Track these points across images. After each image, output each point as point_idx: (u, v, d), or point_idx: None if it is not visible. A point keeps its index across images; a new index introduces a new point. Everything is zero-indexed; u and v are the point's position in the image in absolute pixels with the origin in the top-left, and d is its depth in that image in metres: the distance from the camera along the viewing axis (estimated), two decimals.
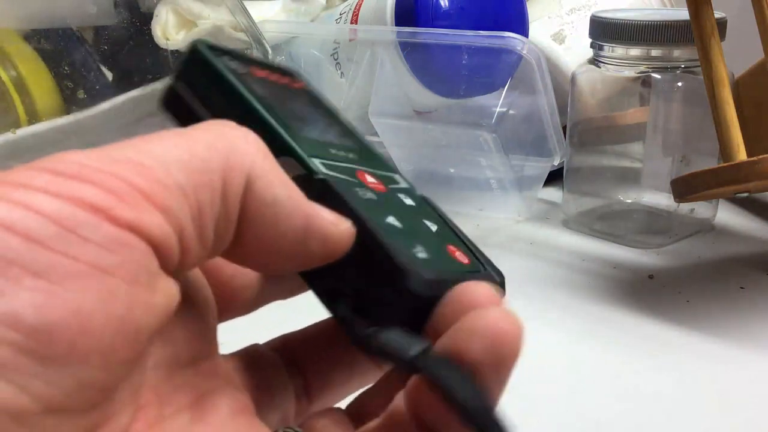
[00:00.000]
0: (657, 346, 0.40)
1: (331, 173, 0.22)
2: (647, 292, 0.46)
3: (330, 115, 0.26)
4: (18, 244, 0.15)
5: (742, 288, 0.47)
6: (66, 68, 0.57)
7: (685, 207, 0.55)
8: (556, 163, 0.55)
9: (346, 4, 0.63)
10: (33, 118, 0.56)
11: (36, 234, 0.15)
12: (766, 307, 0.45)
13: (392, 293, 0.21)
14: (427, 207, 0.25)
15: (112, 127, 0.58)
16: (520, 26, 0.58)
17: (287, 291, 0.25)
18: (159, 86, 0.58)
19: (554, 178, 0.60)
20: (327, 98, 0.27)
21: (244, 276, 0.23)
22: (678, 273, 0.49)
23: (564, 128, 0.55)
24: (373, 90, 0.56)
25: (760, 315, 0.44)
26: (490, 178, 0.57)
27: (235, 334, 0.24)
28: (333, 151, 0.24)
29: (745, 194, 0.41)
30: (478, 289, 0.20)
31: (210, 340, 0.21)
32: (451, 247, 0.23)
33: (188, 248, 0.18)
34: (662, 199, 0.55)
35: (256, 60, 0.26)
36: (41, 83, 0.56)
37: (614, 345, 0.40)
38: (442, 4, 0.54)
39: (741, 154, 0.41)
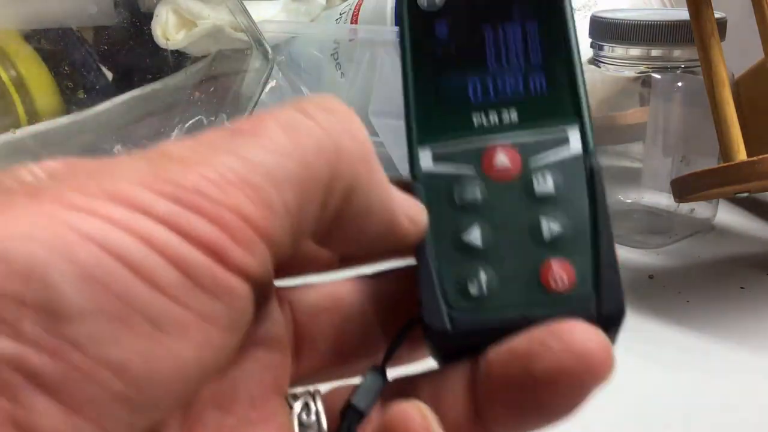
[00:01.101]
0: (657, 346, 0.40)
1: (435, 170, 0.21)
2: (647, 292, 0.46)
3: (539, 36, 0.22)
4: (142, 291, 0.14)
5: (742, 288, 0.47)
6: (66, 68, 0.57)
7: (685, 207, 0.55)
8: None
9: (346, 4, 0.63)
10: (33, 118, 0.56)
11: (159, 280, 0.15)
12: (767, 307, 0.45)
13: (424, 329, 0.20)
14: (571, 193, 0.21)
15: (112, 127, 0.58)
16: None
17: None
18: (159, 86, 0.58)
19: None
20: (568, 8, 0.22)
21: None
22: (678, 273, 0.49)
23: None
24: (373, 90, 0.56)
25: (760, 315, 0.44)
26: None
27: None
28: (475, 120, 0.21)
29: (745, 194, 0.41)
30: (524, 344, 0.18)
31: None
32: (553, 264, 0.20)
33: (279, 260, 0.17)
34: (662, 199, 0.55)
35: None
36: (41, 83, 0.56)
37: (613, 345, 0.40)
38: None
39: (741, 154, 0.41)
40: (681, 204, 0.53)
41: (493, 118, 0.21)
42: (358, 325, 0.22)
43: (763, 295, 0.46)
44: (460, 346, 0.20)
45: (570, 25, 0.22)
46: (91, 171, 0.16)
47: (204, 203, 0.15)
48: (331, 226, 0.18)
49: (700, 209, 0.56)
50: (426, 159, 0.21)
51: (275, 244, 0.16)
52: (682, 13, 0.48)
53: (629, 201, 0.57)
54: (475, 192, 0.21)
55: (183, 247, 0.15)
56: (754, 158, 0.38)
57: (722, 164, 0.41)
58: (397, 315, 0.22)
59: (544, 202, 0.20)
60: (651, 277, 0.48)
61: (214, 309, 0.15)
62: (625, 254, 0.52)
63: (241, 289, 0.16)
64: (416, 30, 0.22)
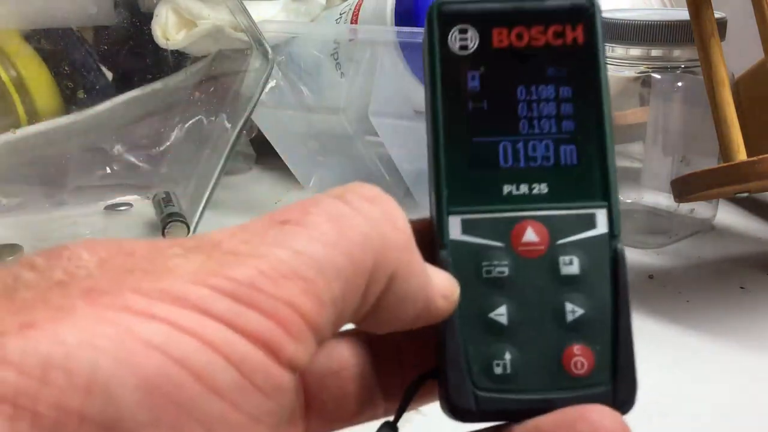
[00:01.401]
0: (657, 346, 0.40)
1: (464, 239, 0.21)
2: (647, 292, 0.46)
3: (572, 102, 0.22)
4: (201, 397, 0.15)
5: (742, 288, 0.47)
6: (66, 68, 0.57)
7: (685, 207, 0.55)
8: None
9: (346, 4, 0.63)
10: (33, 118, 0.56)
11: (219, 384, 0.15)
12: (767, 307, 0.45)
13: (449, 406, 0.20)
14: (595, 276, 0.21)
15: (112, 127, 0.58)
16: None
17: None
18: (159, 86, 0.58)
19: None
20: (601, 65, 0.22)
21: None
22: (678, 273, 0.49)
23: None
24: (373, 90, 0.56)
25: (760, 315, 0.44)
26: None
27: None
28: (505, 189, 0.21)
29: (745, 194, 0.41)
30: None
31: None
32: (575, 349, 0.20)
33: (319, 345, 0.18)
34: (662, 199, 0.55)
35: (515, 11, 0.22)
36: (41, 83, 0.56)
37: None
38: None
39: (741, 154, 0.41)
40: (681, 204, 0.53)
41: (524, 188, 0.21)
42: (361, 384, 0.22)
43: (763, 295, 0.46)
44: (480, 421, 0.21)
45: (604, 97, 0.22)
46: (143, 266, 0.16)
47: (260, 298, 0.16)
48: (369, 311, 0.19)
49: (700, 209, 0.56)
50: (455, 228, 0.21)
51: (321, 334, 0.17)
52: (682, 13, 0.48)
53: (629, 201, 0.57)
54: (503, 267, 0.21)
55: (241, 346, 0.15)
56: (754, 158, 0.38)
57: (722, 164, 0.41)
58: (395, 370, 0.22)
59: (569, 282, 0.21)
60: (651, 277, 0.48)
61: (265, 409, 0.16)
62: (625, 254, 0.51)
63: (289, 382, 0.16)
64: (447, 78, 0.21)
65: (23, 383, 0.13)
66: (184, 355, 0.15)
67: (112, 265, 0.16)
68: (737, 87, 0.55)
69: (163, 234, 0.52)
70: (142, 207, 0.59)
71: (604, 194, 0.21)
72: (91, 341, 0.14)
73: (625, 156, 0.58)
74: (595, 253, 0.21)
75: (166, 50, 0.57)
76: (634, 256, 0.51)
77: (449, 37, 0.22)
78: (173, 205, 0.54)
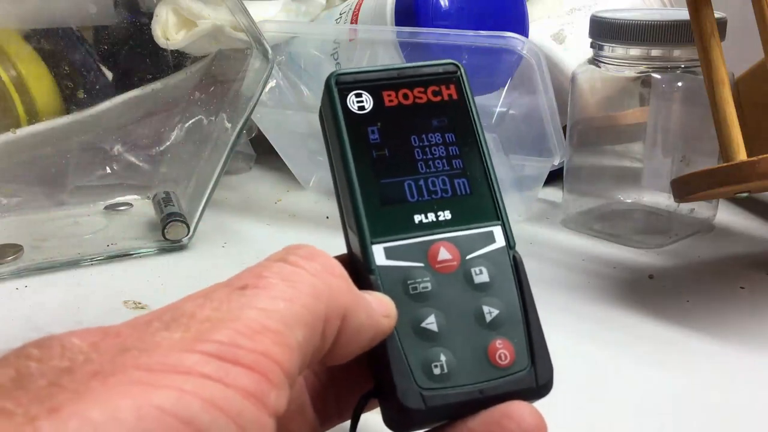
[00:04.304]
0: (657, 346, 0.40)
1: (388, 263, 0.24)
2: (647, 292, 0.46)
3: (457, 145, 0.27)
4: None
5: (742, 288, 0.47)
6: (66, 68, 0.57)
7: (685, 207, 0.55)
8: (556, 163, 0.55)
9: (346, 4, 0.63)
10: (33, 118, 0.56)
11: None
12: (767, 307, 0.45)
13: (397, 409, 0.23)
14: (502, 280, 0.25)
15: (112, 127, 0.58)
16: (520, 26, 0.58)
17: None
18: (159, 86, 0.58)
19: (554, 178, 0.60)
20: (474, 113, 0.27)
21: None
22: (678, 273, 0.49)
23: (564, 128, 0.55)
24: None
25: (760, 315, 0.44)
26: None
27: None
28: (416, 219, 0.25)
29: (745, 194, 0.41)
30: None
31: None
32: (497, 344, 0.24)
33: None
34: (662, 199, 0.55)
35: (399, 77, 0.27)
36: (41, 83, 0.56)
37: (614, 345, 0.40)
38: (442, 3, 0.54)
39: (741, 154, 0.41)
40: (681, 204, 0.53)
41: (431, 216, 0.25)
42: (300, 413, 0.26)
43: (763, 295, 0.46)
44: (429, 422, 0.23)
45: (481, 137, 0.27)
46: (134, 345, 0.18)
47: (241, 353, 0.18)
48: (330, 349, 0.22)
49: (700, 209, 0.56)
50: (380, 255, 0.24)
51: (292, 378, 0.19)
52: (682, 13, 0.48)
53: (629, 201, 0.57)
54: (426, 283, 0.24)
55: (236, 401, 0.17)
56: (754, 158, 0.38)
57: (722, 164, 0.41)
58: (329, 397, 0.26)
59: (482, 289, 0.25)
60: (651, 277, 0.48)
61: None
62: (625, 254, 0.52)
63: (272, 428, 0.18)
64: (352, 133, 0.26)
65: None
66: (193, 416, 0.16)
67: (105, 347, 0.18)
68: (737, 87, 0.55)
69: (163, 234, 0.52)
70: (142, 207, 0.59)
71: (497, 214, 0.26)
72: (114, 415, 0.16)
73: (625, 156, 0.58)
74: (499, 262, 0.25)
75: (166, 50, 0.57)
76: (634, 256, 0.51)
77: (347, 100, 0.26)
78: (173, 205, 0.54)
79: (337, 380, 0.27)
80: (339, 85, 0.26)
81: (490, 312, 0.24)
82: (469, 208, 0.26)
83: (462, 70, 0.28)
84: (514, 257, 0.25)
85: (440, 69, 0.27)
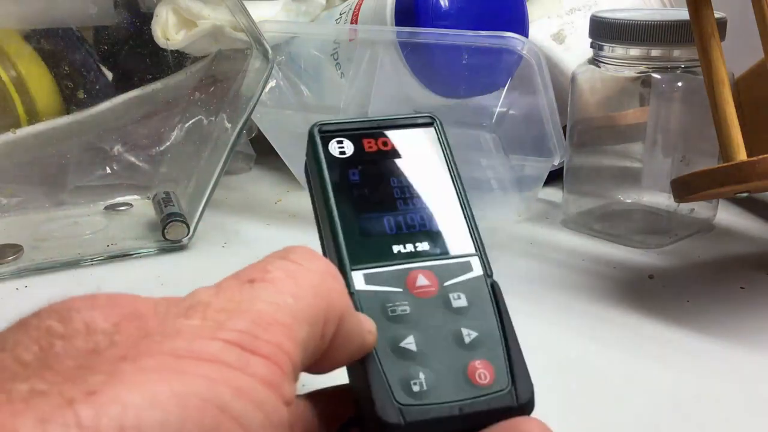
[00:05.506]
0: (657, 346, 0.40)
1: (367, 288, 0.25)
2: (647, 292, 0.46)
3: (434, 184, 0.28)
4: None
5: (742, 288, 0.47)
6: (66, 68, 0.57)
7: (685, 207, 0.55)
8: (556, 163, 0.55)
9: (346, 4, 0.63)
10: (33, 118, 0.56)
11: (250, 425, 0.17)
12: (767, 307, 0.45)
13: (378, 425, 0.23)
14: (481, 305, 0.26)
15: (112, 127, 0.58)
16: (520, 26, 0.58)
17: None
18: (159, 86, 0.58)
19: (554, 178, 0.60)
20: (449, 157, 0.29)
21: None
22: (678, 273, 0.49)
23: (564, 128, 0.55)
24: (373, 90, 0.56)
25: (760, 315, 0.44)
26: (490, 178, 0.57)
27: None
28: (395, 249, 0.26)
29: (745, 194, 0.41)
30: None
31: None
32: (476, 364, 0.24)
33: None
34: (662, 199, 0.55)
35: (379, 127, 0.29)
36: (41, 83, 0.56)
37: (614, 345, 0.40)
38: (442, 4, 0.54)
39: (741, 154, 0.41)
40: (681, 204, 0.53)
41: (410, 247, 0.26)
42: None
43: (763, 295, 0.46)
44: None
45: (456, 178, 0.28)
46: (157, 329, 0.18)
47: (259, 344, 0.18)
48: (324, 351, 0.22)
49: (700, 209, 0.56)
50: (359, 280, 0.25)
51: (297, 373, 0.20)
52: (682, 13, 0.48)
53: (629, 201, 0.57)
54: (404, 306, 0.25)
55: (260, 390, 0.18)
56: (754, 158, 0.38)
57: (722, 164, 0.41)
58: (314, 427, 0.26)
59: (461, 313, 0.25)
60: (651, 277, 0.48)
61: None
62: (625, 254, 0.52)
63: (287, 418, 0.19)
64: (333, 174, 0.27)
65: None
66: (226, 404, 0.17)
67: (127, 330, 0.18)
68: (737, 87, 0.55)
69: (163, 234, 0.52)
70: (142, 207, 0.59)
71: (475, 247, 0.27)
72: (154, 400, 0.16)
73: (625, 156, 0.58)
74: (477, 288, 0.26)
75: (166, 50, 0.57)
76: (634, 256, 0.51)
77: (329, 146, 0.28)
78: (173, 205, 0.54)
79: (321, 413, 0.27)
80: (321, 134, 0.28)
81: (469, 334, 0.25)
82: (446, 241, 0.27)
83: (438, 122, 0.29)
84: (492, 284, 0.26)
85: (418, 120, 0.29)
